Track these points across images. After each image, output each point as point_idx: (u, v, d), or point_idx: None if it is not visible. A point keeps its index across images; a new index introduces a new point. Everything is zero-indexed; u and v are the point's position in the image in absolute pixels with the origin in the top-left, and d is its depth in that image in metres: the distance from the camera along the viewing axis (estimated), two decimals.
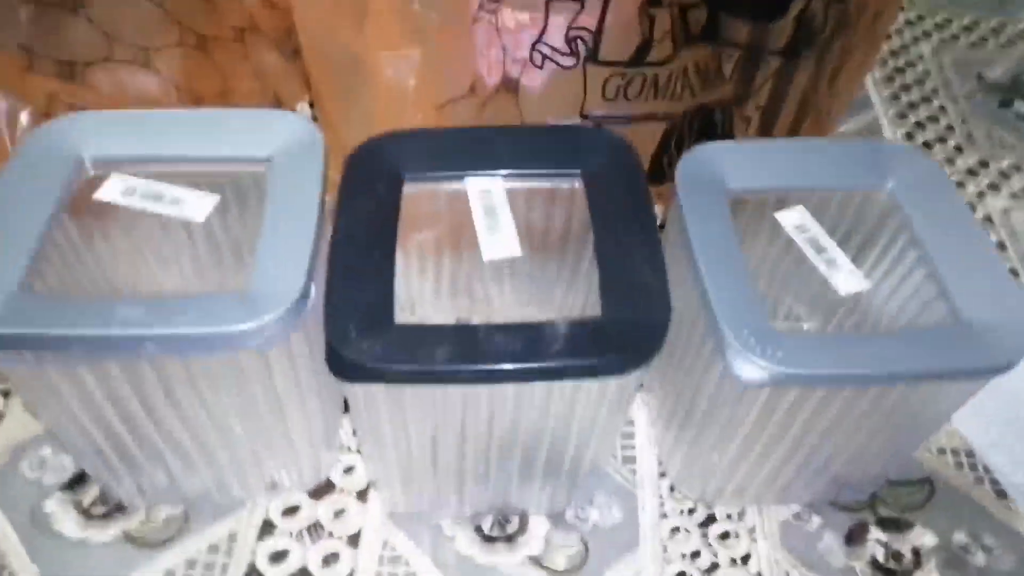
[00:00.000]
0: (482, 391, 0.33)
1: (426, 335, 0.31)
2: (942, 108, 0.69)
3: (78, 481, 0.43)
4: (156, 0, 0.47)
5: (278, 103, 0.61)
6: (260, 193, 0.36)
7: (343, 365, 0.31)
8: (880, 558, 0.42)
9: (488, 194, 0.37)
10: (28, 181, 0.35)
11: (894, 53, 0.74)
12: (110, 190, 0.36)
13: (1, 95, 0.38)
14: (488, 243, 0.36)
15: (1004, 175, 0.64)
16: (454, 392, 0.33)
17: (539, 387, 0.33)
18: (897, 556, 0.42)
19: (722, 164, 0.39)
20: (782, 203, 0.40)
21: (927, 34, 0.77)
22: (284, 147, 0.37)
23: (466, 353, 0.31)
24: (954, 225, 0.37)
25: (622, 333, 0.31)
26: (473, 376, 0.31)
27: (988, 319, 0.34)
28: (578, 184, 0.38)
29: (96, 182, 0.37)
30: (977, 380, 0.34)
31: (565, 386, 0.33)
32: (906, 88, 0.71)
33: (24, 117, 0.39)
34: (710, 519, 0.43)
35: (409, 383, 0.31)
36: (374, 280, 0.33)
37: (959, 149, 0.65)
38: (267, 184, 0.36)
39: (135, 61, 0.47)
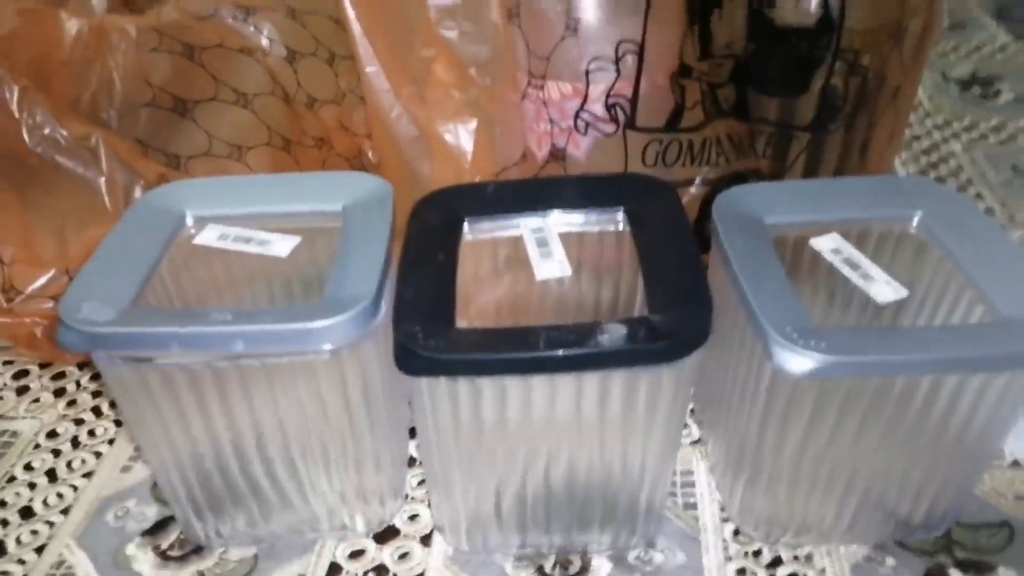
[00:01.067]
0: (538, 388, 0.35)
1: (486, 334, 0.34)
2: (979, 195, 0.72)
3: (159, 527, 0.45)
4: (250, 107, 0.55)
5: None
6: (338, 235, 0.40)
7: (409, 357, 0.33)
8: None
9: (540, 231, 0.41)
10: (139, 229, 0.40)
11: (926, 151, 0.78)
12: (207, 236, 0.41)
13: (122, 172, 0.44)
14: (541, 267, 0.39)
15: None
16: (513, 390, 0.35)
17: (593, 386, 0.35)
18: None
19: (758, 201, 0.42)
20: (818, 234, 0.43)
21: (956, 135, 0.81)
22: (358, 199, 0.42)
23: (525, 344, 0.33)
24: (984, 239, 0.39)
25: (671, 323, 0.34)
26: (530, 364, 0.33)
27: None
28: (622, 221, 0.41)
29: (195, 232, 0.42)
30: (1021, 370, 0.34)
31: (618, 384, 0.35)
32: (941, 180, 0.74)
33: (138, 191, 0.45)
34: (776, 561, 0.42)
35: (471, 374, 0.34)
36: (438, 293, 0.36)
37: (1002, 228, 0.67)
38: (343, 227, 0.40)
39: (230, 156, 0.54)
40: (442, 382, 0.34)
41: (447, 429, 0.37)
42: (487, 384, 0.35)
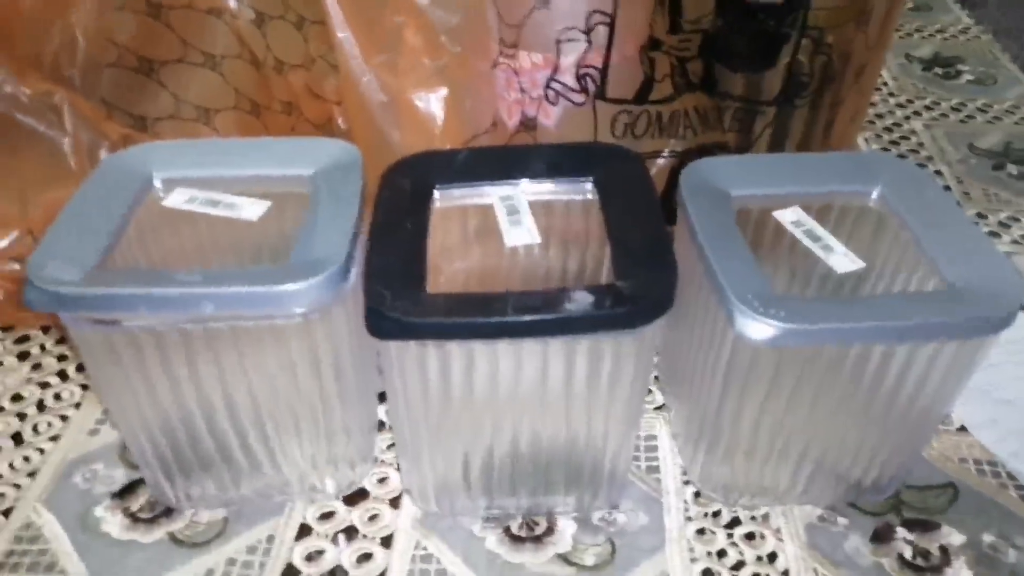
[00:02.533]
0: (504, 353, 0.35)
1: (455, 299, 0.35)
2: (938, 172, 0.73)
3: (127, 490, 0.45)
4: (217, 70, 0.54)
5: None
6: (307, 200, 0.40)
7: (379, 321, 0.34)
8: (908, 555, 0.42)
9: (510, 199, 0.42)
10: (105, 191, 0.40)
11: (888, 129, 0.80)
12: (175, 199, 0.41)
13: (86, 132, 0.44)
14: (510, 234, 0.40)
15: (1004, 224, 0.67)
16: (480, 355, 0.35)
17: (558, 351, 0.36)
18: (925, 554, 0.42)
19: (723, 173, 0.43)
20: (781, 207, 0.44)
21: (918, 113, 0.82)
22: (327, 164, 0.42)
23: (492, 309, 0.34)
24: (940, 214, 0.41)
25: (635, 290, 0.34)
26: (498, 329, 0.34)
27: (978, 286, 0.36)
28: (591, 190, 0.42)
29: (163, 195, 0.41)
30: (971, 339, 0.36)
31: (583, 350, 0.35)
32: (903, 157, 0.76)
33: (103, 153, 0.45)
34: (735, 521, 0.44)
35: (439, 337, 0.34)
36: (408, 258, 0.36)
37: (958, 204, 0.69)
38: (312, 192, 0.40)
39: (198, 119, 0.53)
40: (411, 346, 0.35)
41: (416, 394, 0.38)
42: (455, 348, 0.35)
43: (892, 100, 0.84)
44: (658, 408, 0.50)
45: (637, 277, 0.35)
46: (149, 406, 0.39)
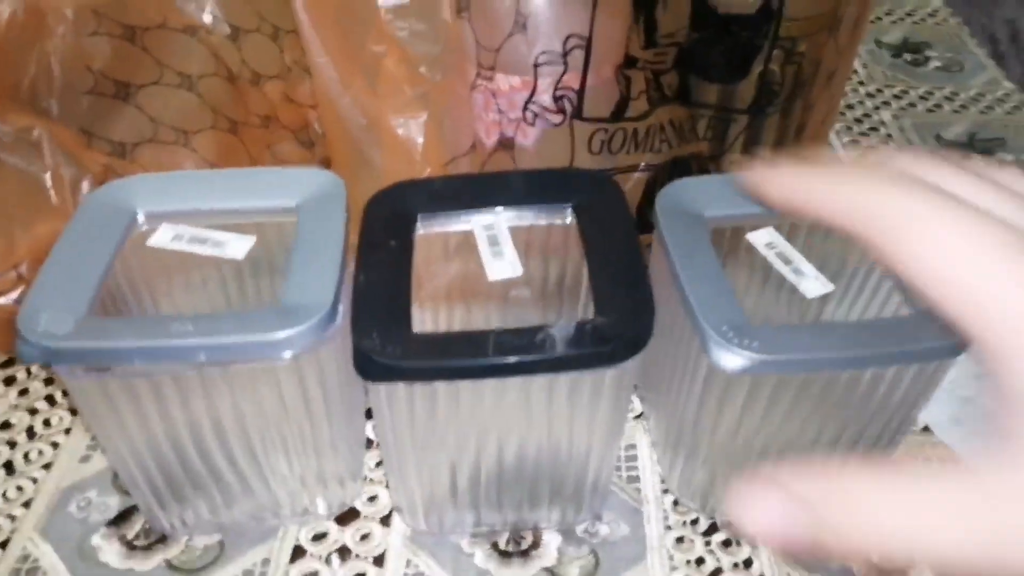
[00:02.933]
0: (489, 388, 0.37)
1: (441, 339, 0.36)
2: None
3: (122, 518, 0.46)
4: (194, 90, 0.54)
5: None
6: (292, 234, 0.41)
7: (368, 365, 0.35)
8: (878, 558, 0.44)
9: (491, 227, 0.42)
10: (91, 231, 0.40)
11: (858, 120, 0.81)
12: (161, 237, 0.41)
13: (67, 165, 0.44)
14: (492, 266, 0.41)
15: None
16: (465, 391, 0.37)
17: (541, 385, 0.37)
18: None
19: (699, 194, 0.44)
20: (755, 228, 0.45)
21: (887, 103, 0.84)
22: (311, 196, 0.43)
23: (476, 350, 0.35)
24: None
25: (614, 328, 0.36)
26: (482, 370, 0.35)
27: None
28: (570, 217, 0.43)
29: (148, 232, 0.42)
30: (934, 362, 0.38)
31: (564, 382, 0.37)
32: (873, 149, 0.77)
33: (85, 185, 0.45)
34: (712, 528, 0.46)
35: (425, 379, 0.35)
36: (394, 298, 0.37)
37: None
38: (297, 226, 0.41)
39: (176, 142, 0.53)
40: (399, 385, 0.36)
41: (403, 424, 0.39)
42: (441, 386, 0.36)
43: (862, 89, 0.86)
44: (638, 417, 0.52)
45: (616, 312, 0.36)
46: (139, 438, 0.40)
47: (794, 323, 0.47)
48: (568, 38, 0.45)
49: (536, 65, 0.46)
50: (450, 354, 0.35)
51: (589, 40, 0.45)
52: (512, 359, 0.34)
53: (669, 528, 0.46)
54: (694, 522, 0.46)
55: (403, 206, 0.42)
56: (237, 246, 0.41)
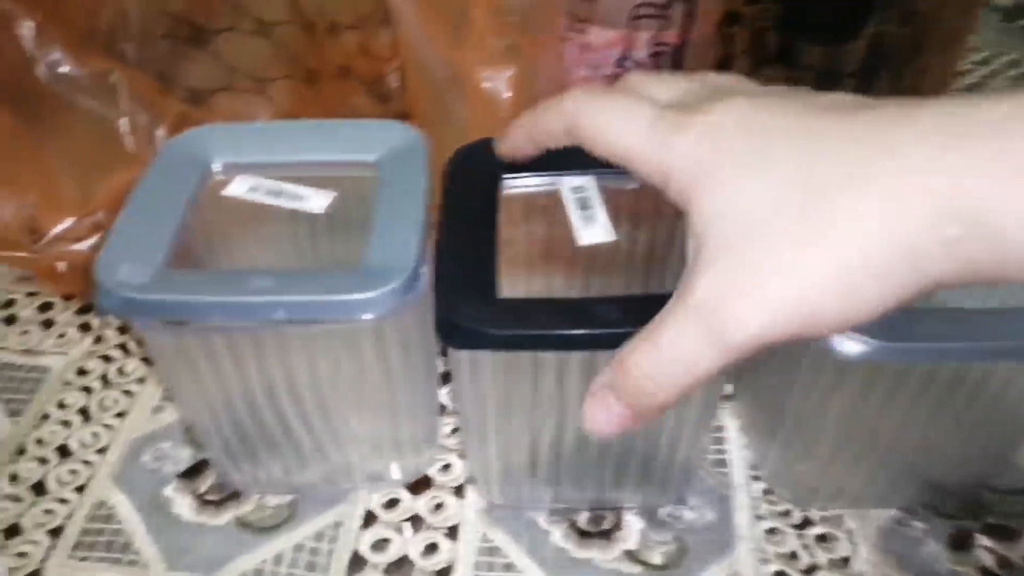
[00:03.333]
0: (578, 360, 0.34)
1: (531, 305, 0.33)
2: None
3: (194, 471, 0.45)
4: (271, 37, 0.52)
5: None
6: (372, 191, 0.39)
7: (452, 331, 0.33)
8: (988, 564, 0.41)
9: (581, 190, 0.40)
10: (167, 180, 0.39)
11: (969, 89, 0.75)
12: (237, 188, 0.40)
13: (143, 111, 0.42)
14: (583, 231, 0.38)
15: None
16: (553, 362, 0.34)
17: None
18: (1007, 563, 0.41)
19: None
20: None
21: (995, 73, 0.77)
22: (392, 151, 0.40)
23: (570, 320, 0.32)
24: None
25: None
26: (576, 341, 0.32)
27: None
28: None
29: (224, 183, 0.40)
30: None
31: None
32: None
33: (161, 132, 0.44)
34: (807, 522, 0.43)
35: (513, 348, 0.33)
36: (479, 260, 0.35)
37: None
38: (377, 183, 0.39)
39: (252, 91, 0.51)
40: (483, 353, 0.34)
41: (484, 392, 0.37)
42: (529, 355, 0.34)
43: (972, 57, 0.79)
44: (727, 397, 0.49)
45: None
46: (214, 393, 0.39)
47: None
48: None
49: (633, 18, 0.42)
50: (541, 323, 0.32)
51: None
52: (610, 331, 0.32)
53: (760, 518, 0.43)
54: (785, 513, 0.43)
55: (487, 164, 0.40)
56: (317, 200, 0.39)
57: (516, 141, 0.35)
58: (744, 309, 0.22)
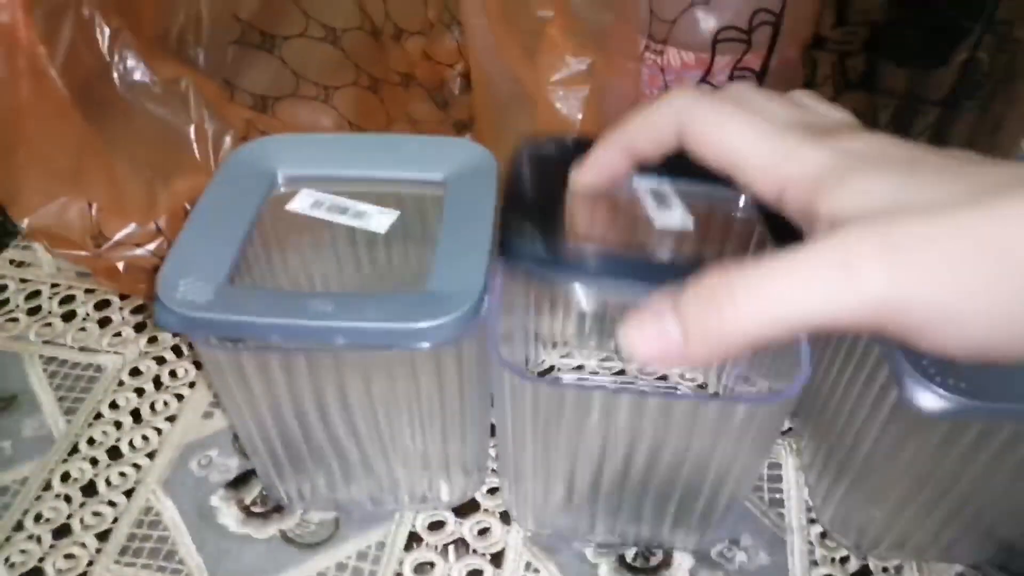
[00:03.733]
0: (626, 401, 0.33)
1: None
2: None
3: (241, 481, 0.45)
4: (338, 44, 0.52)
5: None
6: (438, 211, 0.38)
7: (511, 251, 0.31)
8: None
9: (658, 189, 0.38)
10: (231, 192, 0.39)
11: None
12: (300, 203, 0.39)
13: (211, 120, 0.42)
14: (659, 216, 0.36)
15: None
16: (597, 401, 0.33)
17: (686, 408, 0.33)
18: None
19: None
20: None
21: None
22: (460, 170, 0.40)
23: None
24: None
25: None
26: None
27: None
28: (741, 201, 0.38)
29: (288, 196, 0.40)
30: None
31: (711, 407, 0.33)
32: None
33: (227, 140, 0.43)
34: (864, 570, 0.41)
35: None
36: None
37: None
38: (444, 203, 0.38)
39: (317, 97, 0.51)
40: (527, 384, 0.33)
41: (525, 422, 0.36)
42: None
43: None
44: (784, 433, 0.47)
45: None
46: (264, 407, 0.39)
47: None
48: (756, 13, 0.40)
49: (716, 41, 0.41)
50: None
51: (779, 16, 0.40)
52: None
53: (815, 563, 0.41)
54: (844, 560, 0.42)
55: (558, 164, 0.38)
56: (380, 219, 0.39)
57: (604, 160, 0.31)
58: (892, 268, 0.19)
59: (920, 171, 0.22)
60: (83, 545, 0.42)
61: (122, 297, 0.55)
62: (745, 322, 0.21)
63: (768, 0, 0.39)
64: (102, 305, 0.55)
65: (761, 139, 0.25)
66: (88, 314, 0.54)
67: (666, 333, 0.22)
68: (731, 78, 0.42)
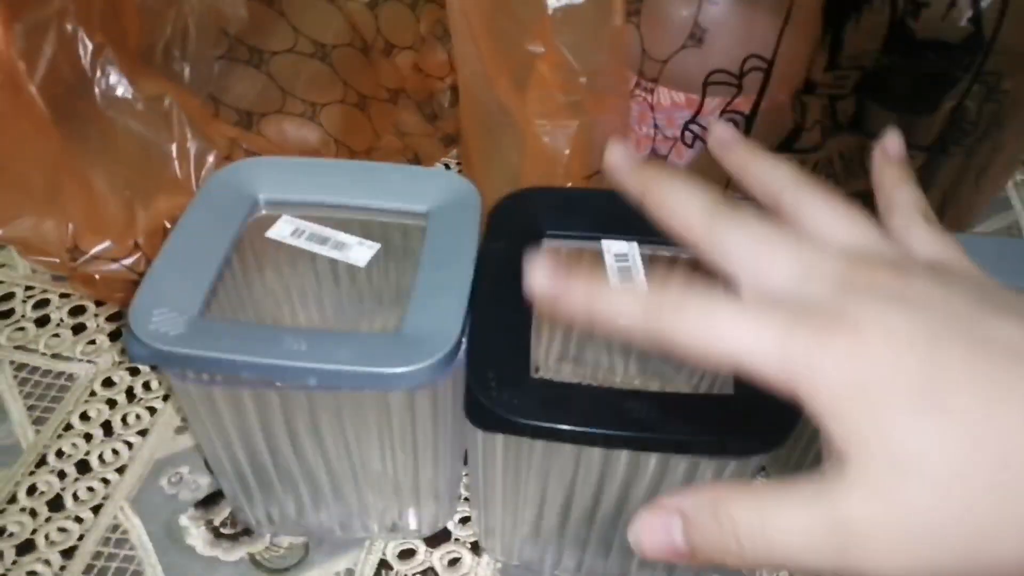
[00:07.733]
0: (598, 453, 0.33)
1: (561, 393, 0.32)
2: None
3: (211, 500, 0.45)
4: (327, 60, 0.51)
5: (417, 161, 0.64)
6: (418, 243, 0.38)
7: (483, 415, 0.31)
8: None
9: (624, 258, 0.38)
10: (210, 217, 0.38)
11: None
12: (280, 230, 0.39)
13: (194, 138, 0.42)
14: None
15: None
16: (569, 451, 0.33)
17: (659, 459, 0.33)
18: None
19: None
20: None
21: None
22: (443, 203, 0.39)
23: (601, 417, 0.31)
24: None
25: (754, 413, 0.31)
26: (604, 440, 0.31)
27: None
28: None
29: (268, 221, 0.39)
30: None
31: (683, 461, 0.33)
32: None
33: (210, 159, 0.43)
34: None
35: (541, 437, 0.32)
36: (514, 333, 0.34)
37: None
38: (425, 236, 0.38)
39: (303, 114, 0.50)
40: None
41: (498, 468, 0.36)
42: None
43: None
44: (760, 469, 0.47)
45: (758, 396, 0.32)
46: (234, 435, 0.38)
47: None
48: (748, 58, 0.40)
49: (707, 83, 0.41)
50: (571, 418, 0.31)
51: (771, 63, 0.40)
52: (644, 435, 0.30)
53: None
54: None
55: (530, 221, 0.38)
56: (360, 252, 0.38)
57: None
58: (897, 556, 0.20)
59: (953, 409, 0.20)
60: (47, 562, 0.42)
61: (98, 304, 0.55)
62: (748, 564, 0.21)
63: (760, 46, 0.39)
64: (77, 311, 0.54)
65: (768, 328, 0.21)
66: (62, 320, 0.54)
67: (673, 542, 0.22)
68: (720, 118, 0.42)
